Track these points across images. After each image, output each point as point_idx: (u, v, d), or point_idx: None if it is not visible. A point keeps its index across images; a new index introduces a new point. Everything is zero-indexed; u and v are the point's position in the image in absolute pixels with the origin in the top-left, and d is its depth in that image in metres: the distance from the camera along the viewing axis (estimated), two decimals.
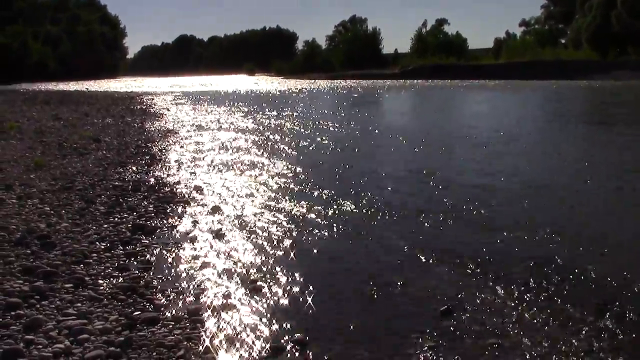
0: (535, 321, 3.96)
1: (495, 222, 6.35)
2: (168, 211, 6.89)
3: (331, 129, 16.70)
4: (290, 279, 4.78)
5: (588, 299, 4.31)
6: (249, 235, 5.99)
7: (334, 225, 6.35)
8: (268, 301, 4.33)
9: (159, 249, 5.49)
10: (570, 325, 3.90)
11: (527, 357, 3.51)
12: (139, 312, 4.01)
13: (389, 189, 8.18)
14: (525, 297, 4.37)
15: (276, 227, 6.27)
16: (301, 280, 4.76)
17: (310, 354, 3.56)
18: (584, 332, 3.80)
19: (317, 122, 18.53)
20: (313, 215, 6.77)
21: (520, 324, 3.91)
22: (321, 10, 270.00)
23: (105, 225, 6.14)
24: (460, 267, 5.00)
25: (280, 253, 5.44)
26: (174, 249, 5.53)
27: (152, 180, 8.73)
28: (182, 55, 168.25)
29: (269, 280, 4.73)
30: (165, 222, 6.44)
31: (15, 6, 79.72)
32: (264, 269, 5.00)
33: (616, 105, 24.65)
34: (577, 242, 5.63)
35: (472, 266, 5.00)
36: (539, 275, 4.78)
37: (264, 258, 5.30)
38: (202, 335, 3.72)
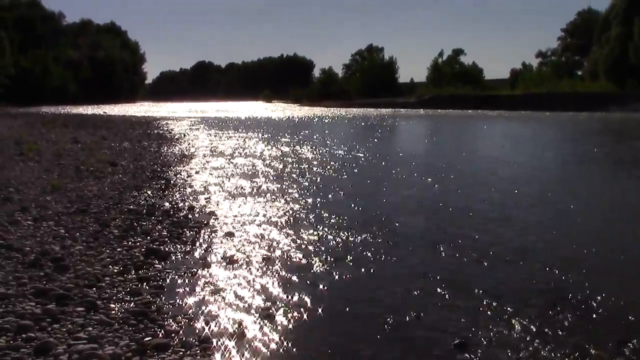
0: (551, 357, 3.87)
1: (512, 255, 6.26)
2: (182, 236, 6.89)
3: (349, 156, 16.70)
4: (303, 308, 4.73)
5: (606, 334, 4.21)
6: (263, 262, 5.95)
7: (349, 254, 6.30)
8: (280, 330, 4.28)
9: (171, 274, 5.48)
10: None
11: None
12: (150, 338, 3.98)
13: (405, 219, 8.12)
14: (542, 331, 4.27)
15: (290, 255, 6.24)
16: (314, 309, 4.71)
17: None
18: None
19: (334, 150, 18.57)
20: (327, 244, 6.73)
21: None
22: (338, 39, 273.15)
23: (119, 249, 6.15)
24: (475, 300, 4.93)
25: (294, 281, 5.39)
26: (186, 274, 5.51)
27: (167, 204, 8.75)
28: (199, 81, 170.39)
29: (281, 309, 4.69)
30: (178, 247, 6.44)
31: (37, 31, 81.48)
32: (277, 297, 4.96)
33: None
34: (596, 276, 5.53)
35: (487, 299, 4.93)
36: (556, 309, 4.69)
37: (277, 285, 5.26)
38: None
